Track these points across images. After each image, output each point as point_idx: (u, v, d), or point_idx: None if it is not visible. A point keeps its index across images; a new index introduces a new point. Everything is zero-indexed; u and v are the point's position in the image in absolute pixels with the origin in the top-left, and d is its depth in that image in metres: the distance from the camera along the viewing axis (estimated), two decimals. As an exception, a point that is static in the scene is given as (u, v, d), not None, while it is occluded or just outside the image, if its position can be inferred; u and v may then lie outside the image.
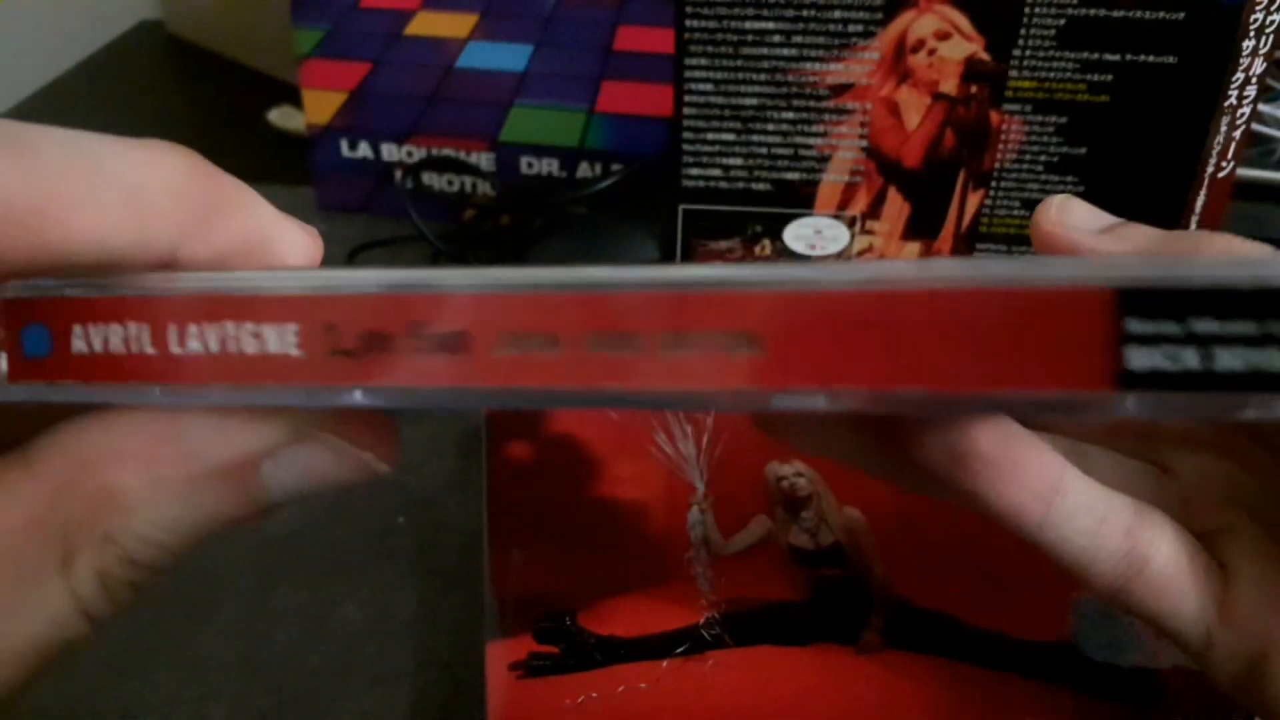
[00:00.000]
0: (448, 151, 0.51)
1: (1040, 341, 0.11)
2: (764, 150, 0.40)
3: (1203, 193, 0.39)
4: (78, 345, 0.13)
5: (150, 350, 0.13)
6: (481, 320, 0.12)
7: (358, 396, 0.12)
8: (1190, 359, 0.10)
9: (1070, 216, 0.17)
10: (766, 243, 0.40)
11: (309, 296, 0.12)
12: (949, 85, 0.38)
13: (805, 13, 0.37)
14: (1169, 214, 0.39)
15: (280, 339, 0.12)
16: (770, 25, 0.38)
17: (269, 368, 0.12)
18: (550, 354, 0.12)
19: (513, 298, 0.12)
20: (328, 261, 0.14)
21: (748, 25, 0.38)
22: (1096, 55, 0.37)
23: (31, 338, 0.13)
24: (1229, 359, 0.10)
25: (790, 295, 0.11)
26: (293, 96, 0.58)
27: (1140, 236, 0.17)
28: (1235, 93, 0.37)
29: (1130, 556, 0.17)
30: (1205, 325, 0.10)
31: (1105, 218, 0.17)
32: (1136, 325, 0.10)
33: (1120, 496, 0.17)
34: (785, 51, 0.38)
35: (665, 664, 0.28)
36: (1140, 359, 0.10)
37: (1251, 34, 0.36)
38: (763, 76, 0.39)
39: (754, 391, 0.11)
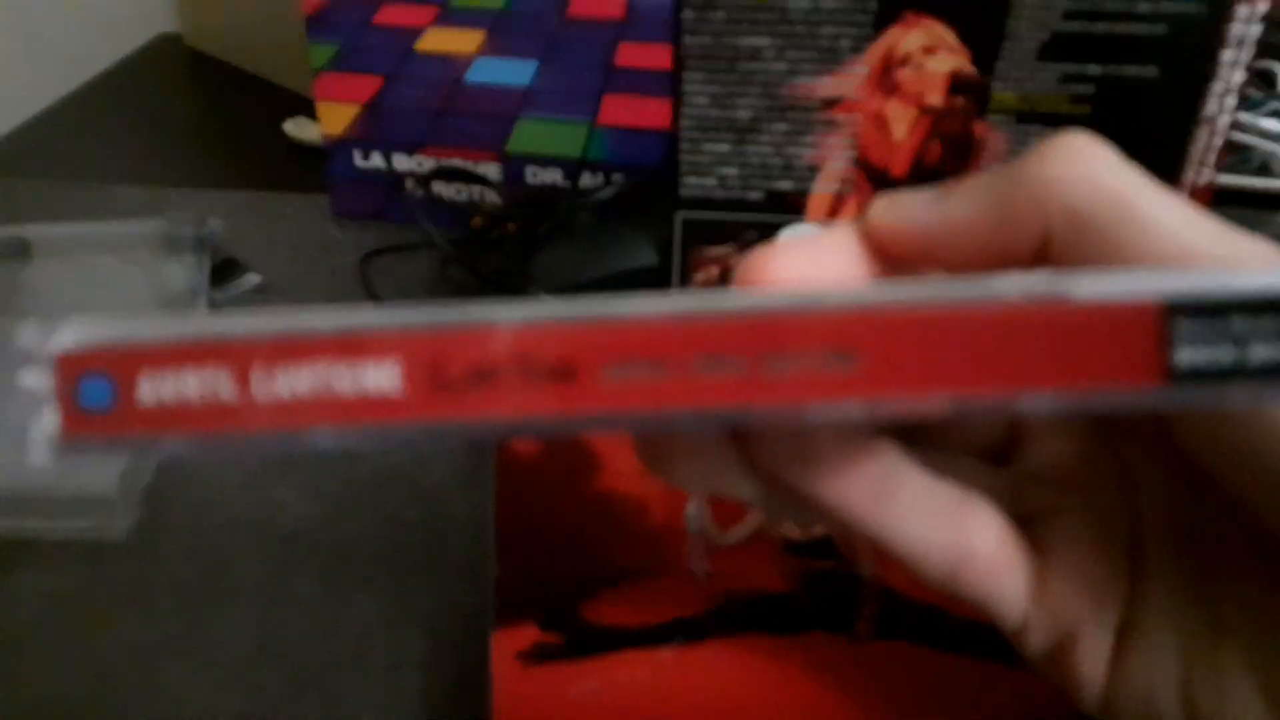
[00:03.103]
0: (457, 162, 0.51)
1: (1101, 345, 0.12)
2: (758, 161, 0.40)
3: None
4: (145, 395, 0.12)
5: (230, 397, 0.12)
6: (588, 349, 0.12)
7: (464, 431, 0.12)
8: (1227, 355, 0.12)
9: (901, 206, 0.17)
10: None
11: (412, 332, 0.12)
12: (934, 98, 0.38)
13: (797, 29, 0.38)
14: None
15: (382, 377, 0.12)
16: (764, 41, 0.38)
17: (369, 408, 0.12)
18: (658, 378, 0.12)
19: (618, 326, 0.12)
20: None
21: (743, 42, 0.38)
22: (1078, 68, 0.37)
23: (90, 390, 0.12)
24: (1265, 352, 0.12)
25: (883, 313, 0.12)
26: (308, 109, 0.58)
27: (972, 190, 0.16)
28: (1216, 103, 0.37)
29: (958, 546, 0.17)
30: (1241, 325, 0.12)
31: (934, 191, 0.17)
32: (1185, 327, 0.12)
33: (947, 485, 0.18)
34: (778, 67, 0.39)
35: (665, 652, 0.28)
36: (1186, 357, 0.12)
37: (1231, 45, 0.36)
38: (757, 91, 0.39)
39: (853, 403, 0.12)
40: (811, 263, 0.17)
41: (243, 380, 0.12)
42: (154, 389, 0.12)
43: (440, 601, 0.34)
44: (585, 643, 0.28)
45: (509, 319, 0.12)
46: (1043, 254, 0.16)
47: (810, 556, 0.31)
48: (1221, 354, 0.12)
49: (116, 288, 0.46)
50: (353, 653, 0.32)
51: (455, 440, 0.13)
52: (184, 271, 0.47)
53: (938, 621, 0.29)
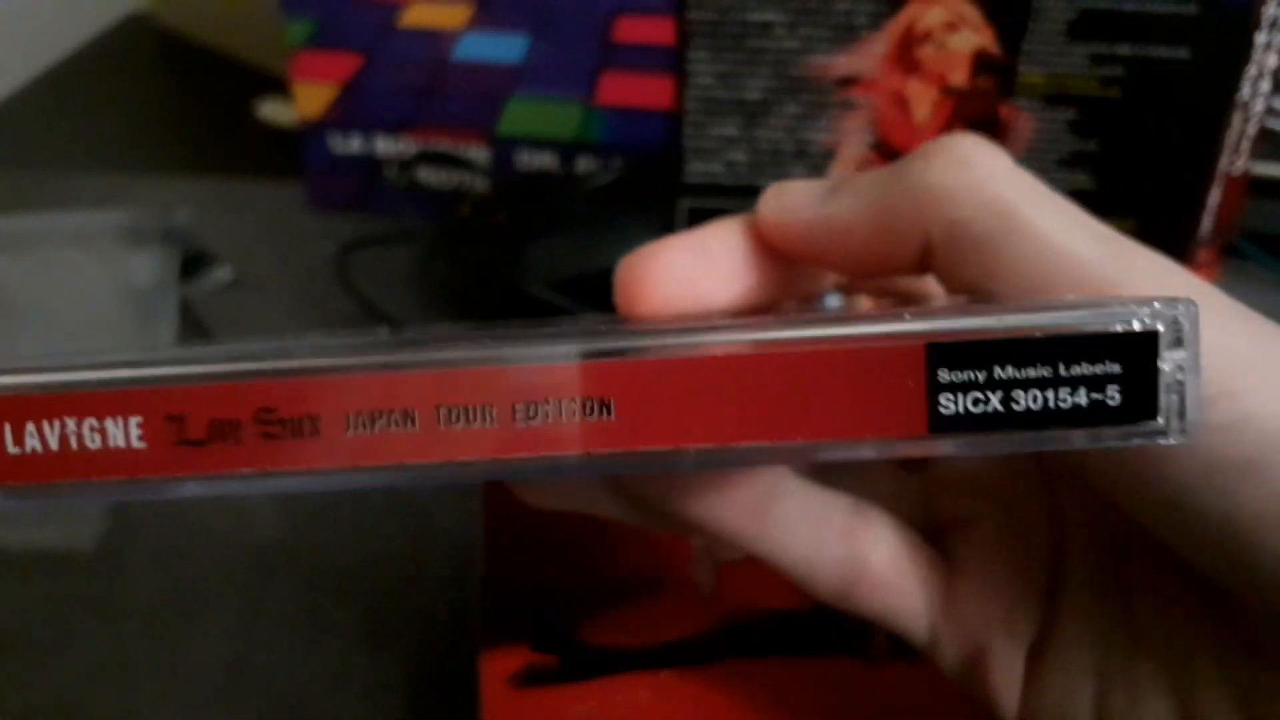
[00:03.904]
0: (442, 146, 0.50)
1: (861, 393, 0.12)
2: (768, 144, 0.40)
3: (1217, 190, 0.38)
4: None
5: (13, 450, 0.13)
6: (329, 402, 0.12)
7: (192, 488, 0.12)
8: (994, 403, 0.12)
9: (787, 199, 0.16)
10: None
11: (151, 389, 0.12)
12: (957, 78, 0.38)
13: (811, 2, 0.37)
14: (1183, 211, 0.38)
15: (123, 433, 0.12)
16: (775, 16, 0.37)
17: (116, 464, 0.12)
18: (405, 431, 0.12)
19: (365, 378, 0.12)
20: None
21: (752, 16, 0.37)
22: (1108, 48, 0.37)
23: None
24: (1027, 400, 0.12)
25: (635, 362, 0.12)
26: (282, 90, 0.57)
27: (855, 191, 0.16)
28: (1249, 87, 0.37)
29: (850, 560, 0.17)
30: (1006, 372, 0.12)
31: (822, 185, 0.16)
32: (946, 375, 0.12)
33: (837, 496, 0.17)
34: (790, 43, 0.38)
35: (668, 675, 0.27)
36: (950, 405, 0.12)
37: (1265, 27, 0.35)
38: (767, 68, 0.38)
39: (607, 455, 0.12)
40: (695, 261, 0.16)
41: (17, 433, 0.13)
42: None
43: (424, 620, 0.33)
44: (581, 664, 0.27)
45: (250, 373, 0.12)
46: (926, 261, 0.15)
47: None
48: (987, 401, 0.12)
49: (80, 282, 0.45)
50: (331, 674, 0.31)
51: (206, 496, 0.13)
52: (151, 265, 0.46)
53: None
